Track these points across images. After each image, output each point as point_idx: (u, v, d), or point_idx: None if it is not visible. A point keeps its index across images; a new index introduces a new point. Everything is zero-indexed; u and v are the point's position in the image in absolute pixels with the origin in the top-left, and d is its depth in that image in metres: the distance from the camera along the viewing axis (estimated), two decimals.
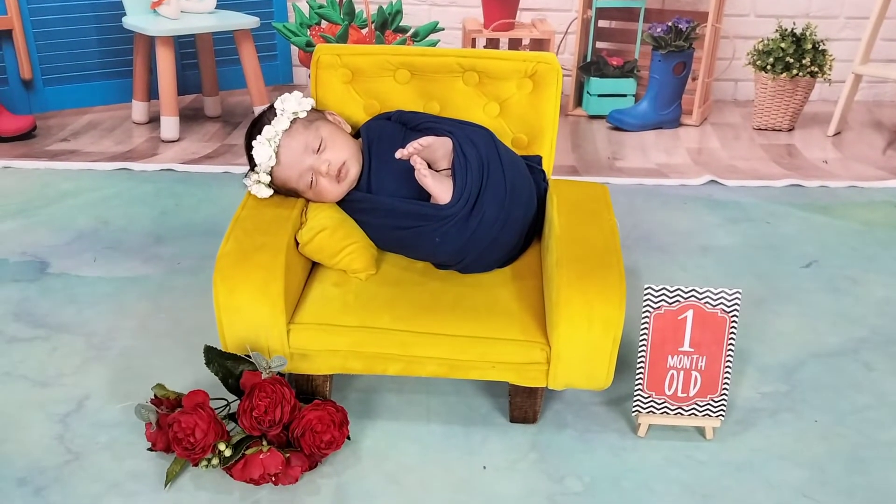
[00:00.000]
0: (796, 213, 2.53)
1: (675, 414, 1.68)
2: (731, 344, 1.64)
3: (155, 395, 1.60)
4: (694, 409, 1.68)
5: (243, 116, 3.05)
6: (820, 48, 2.80)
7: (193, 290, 2.10)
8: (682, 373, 1.66)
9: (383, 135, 1.78)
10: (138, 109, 2.95)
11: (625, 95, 2.93)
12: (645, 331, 1.64)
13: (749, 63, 2.87)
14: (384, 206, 1.69)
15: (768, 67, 2.84)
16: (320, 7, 2.68)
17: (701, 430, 1.72)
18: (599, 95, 2.92)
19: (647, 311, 1.63)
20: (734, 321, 1.63)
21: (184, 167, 2.69)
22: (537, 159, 1.86)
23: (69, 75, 2.96)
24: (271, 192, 1.74)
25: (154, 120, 2.95)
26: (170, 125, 2.82)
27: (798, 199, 2.60)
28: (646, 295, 1.63)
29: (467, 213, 1.64)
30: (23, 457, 1.61)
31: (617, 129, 2.89)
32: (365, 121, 1.86)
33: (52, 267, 2.20)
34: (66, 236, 2.34)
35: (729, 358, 1.65)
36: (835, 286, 2.19)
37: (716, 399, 1.67)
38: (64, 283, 2.13)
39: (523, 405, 1.71)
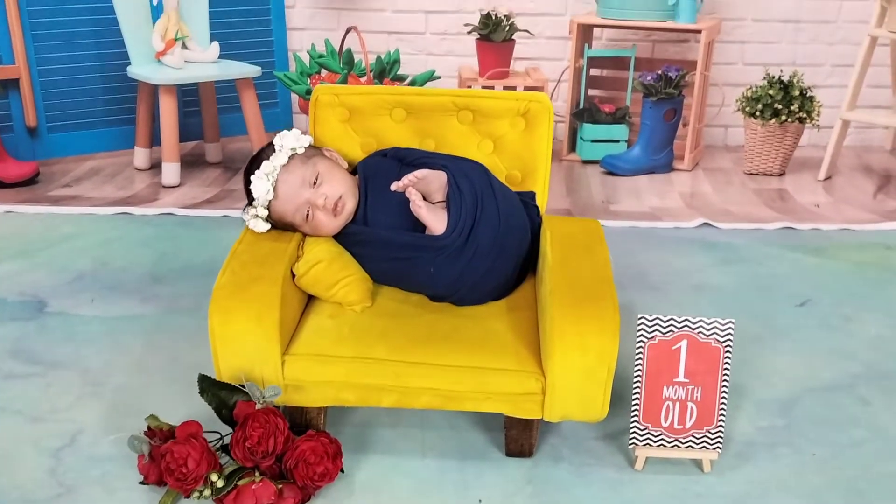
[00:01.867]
0: (789, 254, 2.56)
1: (672, 446, 1.67)
2: (725, 374, 1.65)
3: (148, 427, 1.60)
4: (691, 441, 1.67)
5: (243, 162, 3.09)
6: (807, 95, 2.87)
7: (190, 329, 2.11)
8: (677, 404, 1.66)
9: (379, 170, 1.82)
10: (140, 156, 3.01)
11: (617, 141, 2.99)
12: (639, 361, 1.64)
13: (738, 109, 2.94)
14: (380, 238, 1.71)
15: (757, 114, 2.90)
16: (320, 56, 2.75)
17: (698, 463, 1.71)
18: (593, 141, 2.97)
19: (641, 341, 1.64)
20: (728, 351, 1.64)
21: (184, 211, 2.73)
22: (531, 195, 1.89)
23: (73, 122, 3.02)
24: (269, 226, 1.77)
25: (155, 166, 3.00)
26: (171, 171, 2.87)
27: (790, 241, 2.63)
28: (639, 325, 1.64)
29: (462, 244, 1.67)
30: (14, 490, 1.60)
31: (610, 173, 2.94)
32: (361, 158, 1.91)
33: (50, 306, 2.22)
34: (66, 277, 2.36)
35: (724, 388, 1.65)
36: (829, 324, 2.20)
37: (712, 431, 1.67)
38: (62, 322, 2.14)
39: (519, 438, 1.70)
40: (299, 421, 1.69)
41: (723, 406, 1.65)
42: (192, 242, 2.55)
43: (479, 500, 1.60)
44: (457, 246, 1.66)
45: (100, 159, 3.14)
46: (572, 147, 3.05)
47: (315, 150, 1.81)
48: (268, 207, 1.74)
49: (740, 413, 1.84)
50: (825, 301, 2.30)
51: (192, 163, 3.09)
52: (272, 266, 1.68)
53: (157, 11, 2.79)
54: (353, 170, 1.85)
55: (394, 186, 1.67)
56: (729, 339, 1.64)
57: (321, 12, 3.16)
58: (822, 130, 3.11)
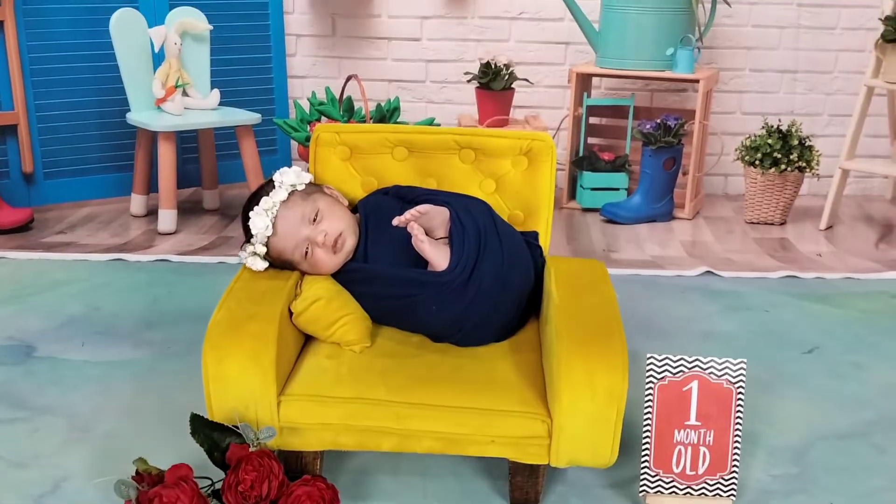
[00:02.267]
0: (794, 302, 2.52)
1: (685, 494, 1.60)
2: (738, 417, 1.59)
3: (136, 472, 1.52)
4: (704, 488, 1.60)
5: (241, 209, 3.07)
6: (806, 144, 2.88)
7: (183, 374, 2.04)
8: (689, 448, 1.59)
9: (380, 208, 1.79)
10: (137, 203, 2.98)
11: (617, 189, 2.98)
12: (649, 403, 1.58)
13: (738, 158, 2.94)
14: (381, 275, 1.67)
15: (757, 163, 2.91)
16: (321, 104, 2.76)
17: None
18: (592, 189, 2.97)
19: (651, 382, 1.58)
20: (741, 393, 1.58)
21: (179, 258, 2.69)
22: (534, 235, 1.86)
23: (70, 169, 3.00)
24: (266, 264, 1.73)
25: (152, 213, 2.97)
26: (167, 218, 2.84)
27: (795, 289, 2.60)
28: (648, 365, 1.59)
29: (465, 280, 1.62)
30: None
31: (611, 221, 2.92)
32: (362, 198, 1.88)
33: (38, 351, 2.15)
34: (56, 321, 2.30)
35: (737, 432, 1.59)
36: (838, 371, 2.14)
37: (726, 477, 1.60)
38: (49, 367, 2.07)
39: (524, 485, 1.62)
40: (294, 466, 1.62)
41: (736, 450, 1.59)
42: (186, 288, 2.51)
43: None
44: (460, 282, 1.61)
45: (96, 206, 3.11)
46: (572, 195, 3.04)
47: (315, 187, 1.78)
48: (266, 245, 1.71)
49: (753, 460, 1.77)
50: (833, 349, 2.25)
51: (188, 210, 3.07)
52: (269, 304, 1.63)
53: (158, 58, 2.81)
54: (354, 208, 1.83)
55: (395, 221, 1.64)
56: (741, 380, 1.58)
57: (322, 60, 3.19)
58: (821, 180, 3.11)
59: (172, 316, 2.34)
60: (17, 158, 2.88)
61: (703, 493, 1.61)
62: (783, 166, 2.86)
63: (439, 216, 1.66)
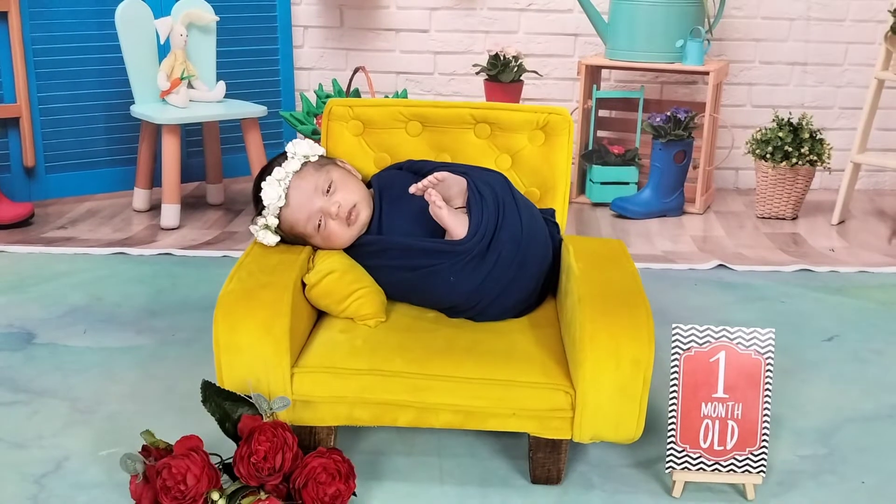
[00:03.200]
0: (810, 293, 2.48)
1: (713, 470, 1.54)
2: (767, 389, 1.53)
3: (143, 447, 1.46)
4: (732, 464, 1.54)
5: (245, 204, 3.03)
6: (817, 137, 2.85)
7: (188, 360, 1.98)
8: (717, 423, 1.54)
9: (394, 182, 1.74)
10: (139, 197, 2.93)
11: (627, 183, 2.95)
12: (675, 375, 1.53)
13: (748, 152, 2.91)
14: (396, 246, 1.62)
15: (768, 156, 2.88)
16: (328, 96, 2.73)
17: (740, 490, 1.57)
18: (602, 183, 2.93)
19: (677, 353, 1.53)
20: (769, 363, 1.53)
21: (182, 252, 2.64)
22: (550, 212, 1.82)
23: (72, 163, 2.96)
24: (278, 238, 1.68)
25: (155, 208, 2.93)
26: (170, 213, 2.79)
27: (809, 282, 2.56)
28: (674, 335, 1.54)
29: (484, 250, 1.57)
30: None
31: (621, 216, 2.88)
32: (374, 175, 1.84)
33: (38, 338, 2.09)
34: (57, 311, 2.24)
35: (766, 405, 1.53)
36: (860, 357, 2.10)
37: (755, 453, 1.54)
38: (50, 353, 2.01)
39: (546, 462, 1.56)
40: (307, 443, 1.55)
41: (766, 425, 1.53)
42: (190, 280, 2.45)
43: None
44: (478, 251, 1.57)
45: (98, 200, 3.06)
46: (581, 189, 3.00)
47: (328, 159, 1.74)
48: (278, 217, 1.66)
49: (779, 442, 1.71)
50: (853, 337, 2.21)
51: (192, 204, 3.02)
52: (282, 274, 1.58)
53: (163, 50, 2.78)
54: (367, 184, 1.78)
55: (413, 189, 1.59)
56: (770, 350, 1.53)
57: (329, 52, 3.16)
58: (833, 174, 3.09)
59: (176, 306, 2.29)
60: (18, 152, 2.84)
61: (731, 470, 1.55)
62: (794, 160, 2.83)
63: (456, 185, 1.62)
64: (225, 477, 1.43)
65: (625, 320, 1.48)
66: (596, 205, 2.97)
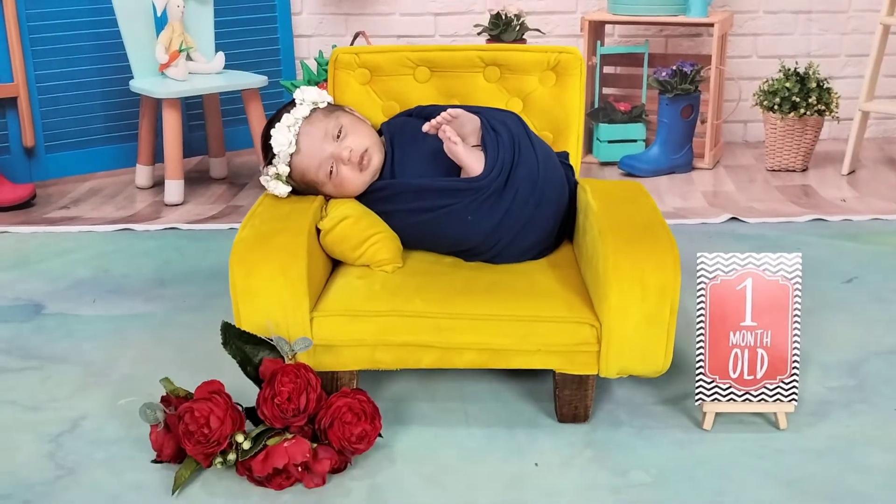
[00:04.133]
0: (825, 241, 2.45)
1: (743, 400, 1.51)
2: (796, 315, 1.50)
3: (162, 397, 1.42)
4: (763, 393, 1.51)
5: (250, 177, 2.98)
6: (825, 86, 2.82)
7: (200, 324, 1.95)
8: (746, 351, 1.51)
9: (405, 127, 1.71)
10: (142, 174, 2.89)
11: (635, 141, 2.91)
12: (702, 304, 1.50)
13: (756, 104, 2.88)
14: (410, 188, 1.59)
15: (776, 107, 2.84)
16: (328, 63, 2.69)
17: (772, 421, 1.54)
18: (609, 142, 2.90)
19: (703, 282, 1.50)
20: (798, 288, 1.50)
21: (188, 226, 2.60)
22: (564, 155, 1.78)
23: (72, 141, 2.91)
24: (289, 188, 1.65)
25: (158, 184, 2.88)
26: (174, 189, 2.75)
27: (823, 230, 2.53)
28: (700, 264, 1.51)
29: (501, 187, 1.54)
30: (8, 475, 1.42)
31: (629, 175, 2.84)
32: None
33: (47, 309, 2.05)
34: (64, 283, 2.20)
35: (796, 331, 1.50)
36: (881, 297, 2.07)
37: (786, 381, 1.51)
38: (60, 322, 1.98)
39: (572, 400, 1.53)
40: (329, 389, 1.52)
41: (796, 351, 1.50)
42: (198, 251, 2.41)
43: (536, 464, 1.42)
44: (496, 188, 1.53)
45: (99, 179, 3.01)
46: (588, 149, 2.97)
47: (337, 106, 1.71)
48: (289, 165, 1.62)
49: (807, 376, 1.68)
50: (872, 278, 2.18)
51: (195, 179, 2.97)
52: (296, 220, 1.55)
53: (160, 23, 2.74)
54: (378, 131, 1.75)
55: (426, 127, 1.56)
56: (797, 275, 1.50)
57: (328, 18, 3.12)
58: (841, 123, 3.05)
59: (185, 275, 2.25)
60: (17, 132, 2.80)
61: (762, 399, 1.52)
62: (802, 110, 2.79)
63: (470, 123, 1.59)
64: (248, 424, 1.40)
65: (649, 248, 1.45)
66: (604, 164, 2.93)
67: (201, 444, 1.30)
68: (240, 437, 1.31)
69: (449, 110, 1.54)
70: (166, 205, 2.74)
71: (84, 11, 2.80)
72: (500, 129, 1.58)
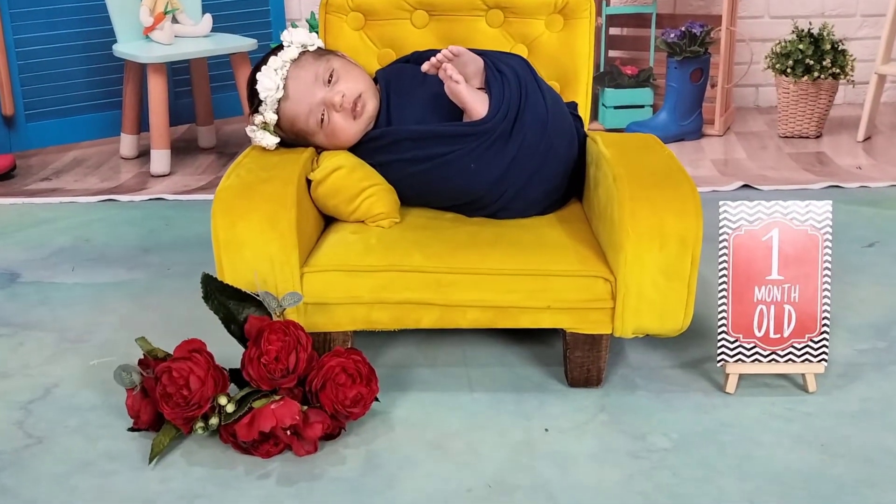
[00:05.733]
0: (842, 206, 2.34)
1: (769, 361, 1.40)
2: (826, 268, 1.39)
3: (139, 360, 1.31)
4: (791, 353, 1.40)
5: (239, 146, 2.86)
6: (839, 48, 2.71)
7: (186, 291, 1.83)
8: (772, 308, 1.39)
9: (402, 74, 1.59)
10: (127, 143, 2.77)
11: (642, 106, 2.79)
12: (724, 256, 1.39)
13: (768, 67, 2.76)
14: (408, 136, 1.46)
15: (788, 71, 2.73)
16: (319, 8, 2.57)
17: (799, 384, 1.43)
18: (616, 107, 2.78)
19: (725, 233, 1.39)
20: (828, 240, 1.39)
21: (175, 196, 2.49)
22: (573, 105, 1.67)
23: (54, 109, 2.79)
24: (277, 140, 1.52)
25: (143, 154, 2.76)
26: (160, 158, 2.63)
27: (840, 197, 2.42)
28: (722, 214, 1.40)
29: (507, 132, 1.42)
30: None
31: (637, 133, 2.73)
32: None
33: (23, 277, 1.93)
34: (42, 252, 2.08)
35: (826, 285, 1.39)
36: None
37: (816, 340, 1.40)
38: (36, 290, 1.86)
39: (584, 362, 1.42)
40: (322, 352, 1.40)
41: (826, 307, 1.39)
42: (184, 221, 2.30)
43: (546, 430, 1.31)
44: (501, 133, 1.41)
45: (83, 149, 2.89)
46: (594, 115, 2.85)
47: (328, 50, 1.59)
48: (277, 112, 1.50)
49: (835, 339, 1.57)
50: (894, 242, 2.08)
51: (183, 149, 2.85)
52: (284, 169, 1.43)
53: None
54: (373, 79, 1.63)
55: (425, 66, 1.44)
56: (827, 225, 1.39)
57: None
58: (857, 87, 2.94)
59: (170, 243, 2.13)
60: None
61: (790, 360, 1.41)
62: (816, 73, 2.68)
63: (473, 63, 1.47)
64: (233, 387, 1.29)
65: (668, 193, 1.33)
66: (610, 131, 2.82)
67: (180, 408, 1.18)
68: (223, 400, 1.20)
69: (450, 47, 1.42)
70: (152, 175, 2.62)
71: None
72: (505, 70, 1.46)
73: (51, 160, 2.78)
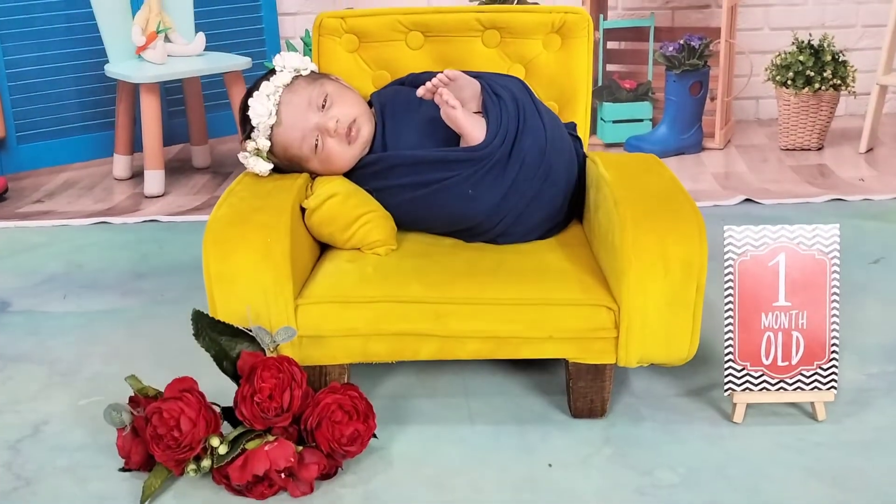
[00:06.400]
0: (846, 221, 2.31)
1: (777, 389, 1.36)
2: (835, 293, 1.36)
3: (130, 398, 1.27)
4: (799, 381, 1.36)
5: (234, 166, 2.83)
6: (840, 59, 2.68)
7: (180, 318, 1.78)
8: (780, 335, 1.36)
9: (397, 97, 1.56)
10: (120, 164, 2.73)
11: (641, 120, 2.76)
12: (730, 283, 1.35)
13: (769, 79, 2.73)
14: (404, 160, 1.43)
15: (789, 82, 2.70)
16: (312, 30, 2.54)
17: (809, 412, 1.39)
18: (614, 122, 2.75)
19: (731, 258, 1.35)
20: (836, 263, 1.35)
21: (169, 218, 2.45)
22: (572, 126, 1.64)
23: (46, 131, 2.76)
24: (271, 166, 1.49)
25: (137, 175, 2.73)
26: (154, 179, 2.60)
27: (843, 210, 2.39)
28: (727, 238, 1.36)
29: (505, 157, 1.39)
30: None
31: (637, 153, 2.70)
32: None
33: (13, 306, 1.90)
34: (34, 279, 2.05)
35: (835, 311, 1.35)
36: None
37: (824, 367, 1.36)
38: (26, 319, 1.82)
39: (588, 392, 1.38)
40: (317, 387, 1.37)
41: (835, 333, 1.35)
42: (179, 244, 2.26)
43: (549, 464, 1.27)
44: (499, 158, 1.38)
45: (75, 170, 2.85)
46: (593, 129, 2.81)
47: (321, 74, 1.56)
48: (269, 139, 1.47)
49: (844, 363, 1.53)
50: None
51: (177, 169, 2.82)
52: (278, 197, 1.40)
53: (136, 3, 2.58)
54: (367, 102, 1.60)
55: (420, 91, 1.41)
56: (835, 249, 1.35)
57: None
58: (858, 98, 2.91)
59: (165, 268, 2.09)
60: None
61: (798, 388, 1.37)
62: (817, 85, 2.65)
63: (470, 87, 1.44)
64: (225, 425, 1.25)
65: (670, 218, 1.30)
66: (609, 145, 2.78)
67: (171, 450, 1.15)
68: (215, 441, 1.16)
69: (446, 72, 1.39)
70: (146, 196, 2.59)
71: None
72: (503, 94, 1.43)
73: (43, 182, 2.74)
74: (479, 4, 2.68)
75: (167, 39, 2.58)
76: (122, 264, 2.13)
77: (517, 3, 2.64)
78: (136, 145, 2.68)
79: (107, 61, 2.57)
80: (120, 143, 2.67)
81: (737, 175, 2.68)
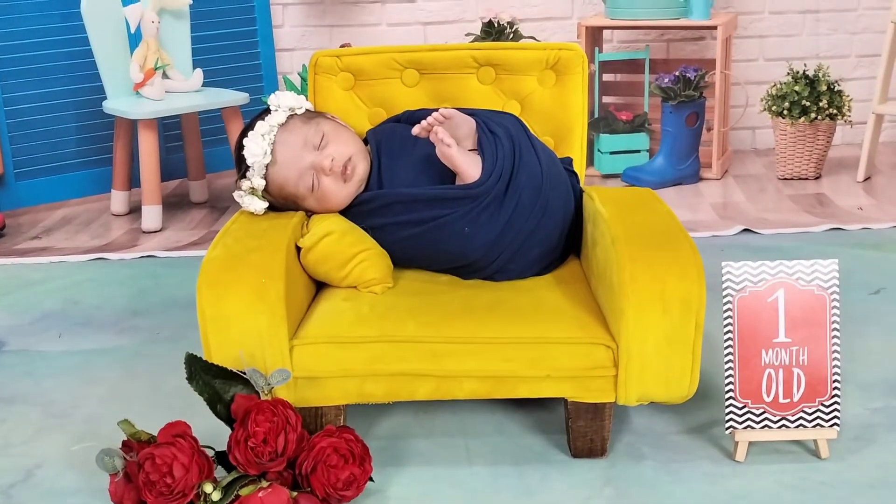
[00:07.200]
0: (845, 251, 2.30)
1: (779, 427, 1.34)
2: (835, 329, 1.34)
3: (123, 442, 1.25)
4: (801, 418, 1.34)
5: (232, 201, 2.83)
6: (836, 89, 2.69)
7: (176, 356, 1.75)
8: (780, 371, 1.34)
9: (392, 134, 1.56)
10: (118, 200, 2.73)
11: (638, 151, 2.77)
12: (729, 319, 1.34)
13: (764, 109, 2.75)
14: (400, 198, 1.43)
15: (785, 112, 2.71)
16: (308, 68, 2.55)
17: (811, 450, 1.38)
18: (611, 153, 2.76)
19: (730, 294, 1.34)
20: (836, 298, 1.34)
21: (166, 253, 2.45)
22: (568, 161, 1.63)
23: (44, 167, 2.76)
24: (266, 204, 1.49)
25: (135, 210, 2.73)
26: (152, 214, 2.60)
27: (842, 240, 2.39)
28: (725, 275, 1.35)
29: (501, 194, 1.39)
30: None
31: (633, 187, 2.70)
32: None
33: (7, 346, 1.88)
34: (29, 317, 2.03)
35: (836, 347, 1.34)
36: None
37: (826, 403, 1.34)
38: (21, 359, 1.81)
39: (587, 431, 1.36)
40: (312, 428, 1.35)
41: (836, 369, 1.34)
42: (175, 280, 2.25)
43: None
44: (495, 195, 1.38)
45: (73, 206, 2.86)
46: (590, 161, 2.82)
47: (316, 112, 1.56)
48: (265, 178, 1.47)
49: (846, 397, 1.52)
50: None
51: (174, 204, 2.82)
52: (273, 237, 1.39)
53: (134, 39, 2.60)
54: (363, 140, 1.60)
55: (416, 129, 1.41)
56: (834, 284, 1.34)
57: (311, 30, 2.99)
58: (854, 127, 2.92)
59: (161, 305, 2.08)
60: None
61: (800, 425, 1.35)
62: (813, 115, 2.66)
63: (465, 125, 1.43)
64: (219, 469, 1.23)
65: (668, 256, 1.29)
66: (606, 176, 2.79)
67: (164, 496, 1.13)
68: (208, 487, 1.14)
69: (441, 110, 1.39)
70: (144, 232, 2.59)
71: (54, 29, 2.66)
72: (498, 131, 1.43)
73: (41, 218, 2.74)
74: (473, 42, 2.72)
75: (165, 75, 2.59)
76: (119, 301, 2.12)
77: (512, 41, 2.67)
78: (133, 181, 2.68)
79: (105, 97, 2.58)
80: (118, 179, 2.68)
81: (735, 205, 2.68)
